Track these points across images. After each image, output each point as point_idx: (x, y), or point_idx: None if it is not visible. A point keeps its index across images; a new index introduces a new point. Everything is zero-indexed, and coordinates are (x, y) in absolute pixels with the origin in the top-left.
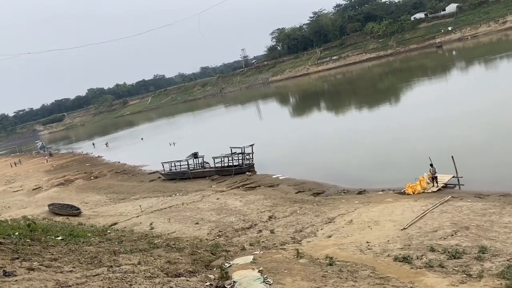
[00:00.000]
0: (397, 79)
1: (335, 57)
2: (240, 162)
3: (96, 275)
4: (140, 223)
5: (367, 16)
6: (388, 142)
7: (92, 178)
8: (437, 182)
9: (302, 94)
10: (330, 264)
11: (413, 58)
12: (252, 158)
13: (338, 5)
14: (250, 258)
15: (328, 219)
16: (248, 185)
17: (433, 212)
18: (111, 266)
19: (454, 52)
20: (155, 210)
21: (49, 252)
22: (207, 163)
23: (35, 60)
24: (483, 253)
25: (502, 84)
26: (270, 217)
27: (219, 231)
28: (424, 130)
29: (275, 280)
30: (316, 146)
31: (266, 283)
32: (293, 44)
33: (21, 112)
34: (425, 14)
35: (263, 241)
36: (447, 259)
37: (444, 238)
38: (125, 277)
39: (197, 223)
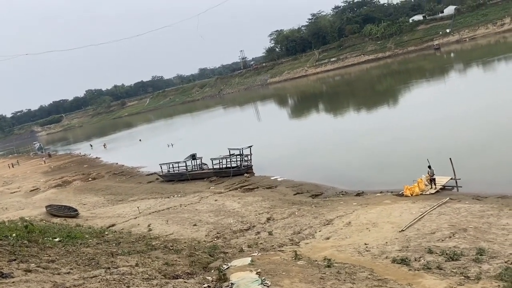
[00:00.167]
0: (395, 81)
1: (333, 59)
2: (238, 164)
3: (93, 276)
4: (138, 224)
5: (366, 18)
6: (386, 144)
7: (90, 179)
8: (435, 184)
9: (301, 96)
10: (328, 266)
11: (411, 60)
12: (251, 159)
13: (336, 7)
14: (248, 260)
15: (326, 221)
16: (246, 187)
17: (431, 214)
18: (109, 268)
19: (452, 54)
20: (153, 212)
21: (47, 254)
22: (205, 164)
23: (33, 61)
24: (481, 255)
25: (500, 86)
26: (268, 219)
27: (217, 233)
28: (422, 132)
29: (273, 282)
30: (315, 148)
31: (264, 285)
32: (291, 45)
33: (19, 113)
34: (423, 16)
35: (261, 243)
36: (445, 261)
37: (442, 240)
38: (123, 279)
39: (195, 225)
